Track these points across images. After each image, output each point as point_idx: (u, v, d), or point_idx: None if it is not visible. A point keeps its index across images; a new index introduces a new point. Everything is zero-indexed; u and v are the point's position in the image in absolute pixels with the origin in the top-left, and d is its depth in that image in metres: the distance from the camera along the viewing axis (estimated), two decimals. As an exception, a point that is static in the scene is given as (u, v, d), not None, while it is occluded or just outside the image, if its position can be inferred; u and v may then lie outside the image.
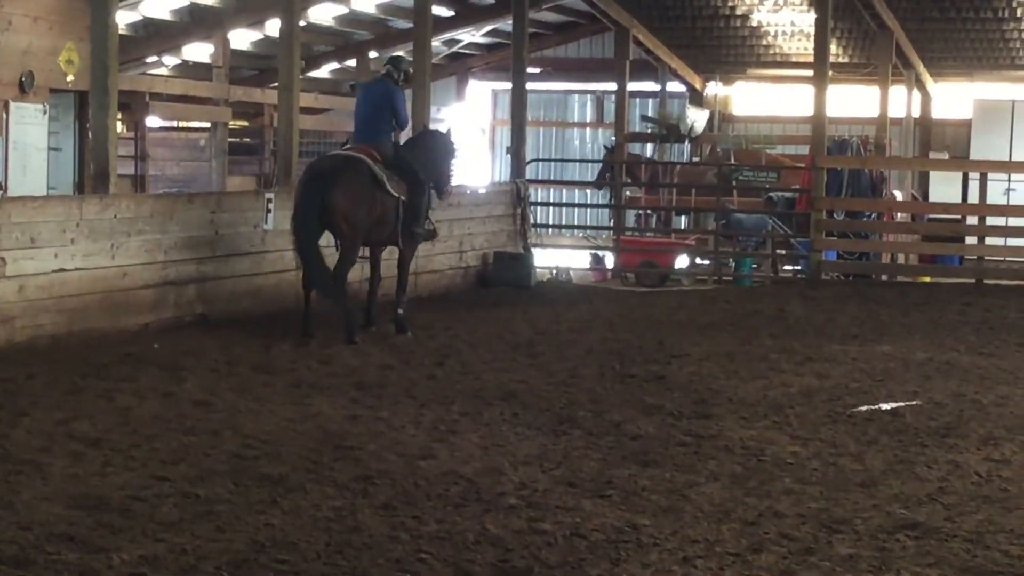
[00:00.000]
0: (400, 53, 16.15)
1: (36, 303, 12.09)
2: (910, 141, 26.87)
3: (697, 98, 28.31)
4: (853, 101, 26.83)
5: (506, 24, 24.30)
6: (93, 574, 6.02)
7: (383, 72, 14.30)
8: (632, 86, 26.32)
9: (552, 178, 27.93)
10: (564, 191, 28.63)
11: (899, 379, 11.85)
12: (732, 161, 23.98)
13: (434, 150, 14.52)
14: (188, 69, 24.93)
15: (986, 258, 21.11)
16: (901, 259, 22.69)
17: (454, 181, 15.49)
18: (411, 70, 14.98)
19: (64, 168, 17.87)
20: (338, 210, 13.06)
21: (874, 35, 24.96)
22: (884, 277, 21.36)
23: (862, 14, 24.03)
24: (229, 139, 23.19)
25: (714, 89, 28.46)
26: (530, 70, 22.76)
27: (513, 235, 20.05)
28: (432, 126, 16.42)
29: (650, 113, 27.93)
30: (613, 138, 26.17)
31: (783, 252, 22.69)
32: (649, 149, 27.47)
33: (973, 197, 21.05)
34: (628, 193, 24.67)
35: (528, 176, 21.54)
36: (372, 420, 9.57)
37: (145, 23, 22.51)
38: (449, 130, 15.32)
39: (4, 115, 16.61)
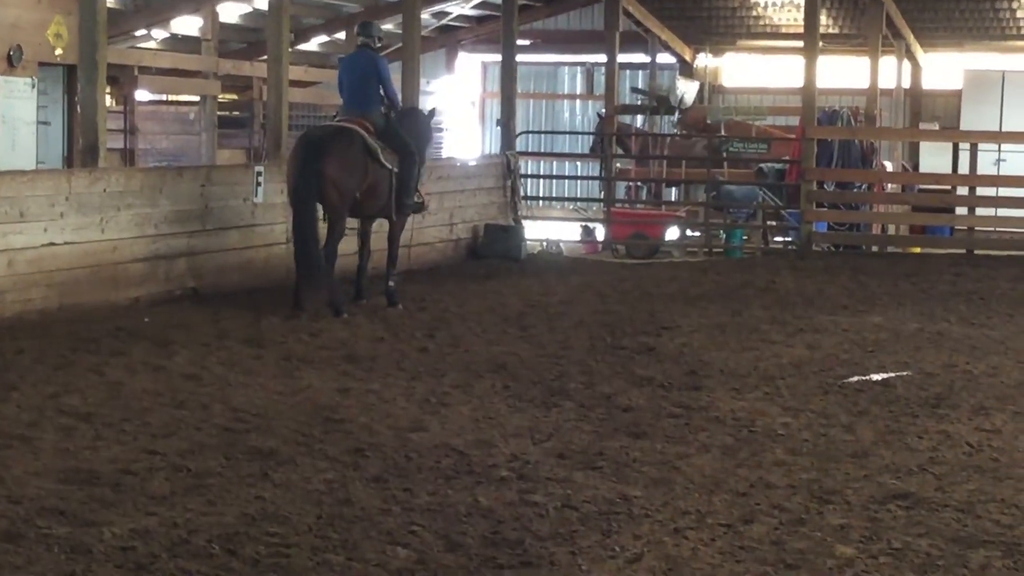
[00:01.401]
0: (367, 21, 15.74)
1: (25, 277, 12.06)
2: (900, 112, 26.85)
3: (687, 70, 28.23)
4: (843, 72, 26.79)
5: (496, -5, 24.22)
6: (84, 548, 6.01)
7: (359, 43, 14.17)
8: (622, 58, 26.22)
9: (542, 150, 27.87)
10: (554, 163, 28.58)
11: (890, 350, 11.86)
12: (721, 133, 23.93)
13: (415, 128, 14.42)
14: (177, 42, 24.81)
15: (976, 229, 21.12)
16: (892, 230, 22.69)
17: (443, 154, 15.41)
18: (382, 35, 14.79)
19: (53, 142, 17.79)
20: (328, 178, 13.00)
21: (864, 6, 24.92)
22: (875, 248, 21.34)
23: (852, -15, 24.01)
24: (219, 112, 23.10)
25: (704, 61, 28.39)
26: (520, 42, 22.68)
27: (503, 207, 20.02)
28: (418, 104, 16.33)
29: (640, 85, 27.86)
30: (604, 109, 26.10)
31: (773, 223, 22.69)
32: (639, 121, 27.39)
33: (963, 168, 21.02)
34: (619, 165, 24.62)
35: (518, 148, 21.49)
36: (363, 393, 9.57)
37: (134, -5, 22.41)
38: (432, 111, 15.18)
39: (-8, 89, 16.55)
